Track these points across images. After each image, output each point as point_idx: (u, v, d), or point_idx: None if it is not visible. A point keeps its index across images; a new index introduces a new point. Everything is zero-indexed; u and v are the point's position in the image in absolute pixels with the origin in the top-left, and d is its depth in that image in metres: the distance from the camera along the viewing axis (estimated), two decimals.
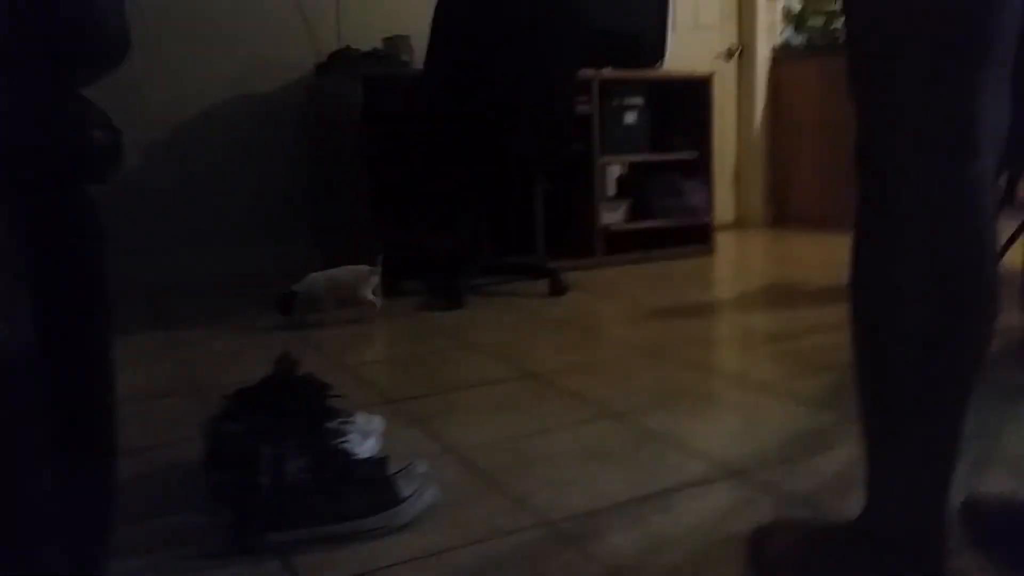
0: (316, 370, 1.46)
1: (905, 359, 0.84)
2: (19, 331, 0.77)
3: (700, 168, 3.62)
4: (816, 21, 4.47)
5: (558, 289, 2.86)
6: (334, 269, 2.52)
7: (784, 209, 4.57)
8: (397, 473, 1.24)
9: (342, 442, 1.35)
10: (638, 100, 3.49)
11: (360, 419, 1.47)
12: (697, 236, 3.65)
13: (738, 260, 3.56)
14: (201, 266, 3.25)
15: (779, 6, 4.50)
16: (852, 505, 0.96)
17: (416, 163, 3.12)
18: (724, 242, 3.98)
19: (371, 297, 2.49)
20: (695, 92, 3.59)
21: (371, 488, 1.17)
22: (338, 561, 1.09)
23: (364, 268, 2.50)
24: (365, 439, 1.42)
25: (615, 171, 3.85)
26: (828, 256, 3.46)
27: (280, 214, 3.39)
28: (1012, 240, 2.46)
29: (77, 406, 0.95)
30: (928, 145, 0.81)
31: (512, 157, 2.91)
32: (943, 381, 0.84)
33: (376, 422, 1.50)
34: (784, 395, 1.69)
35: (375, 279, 2.50)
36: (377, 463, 1.26)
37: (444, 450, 1.45)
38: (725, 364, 1.98)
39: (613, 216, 3.51)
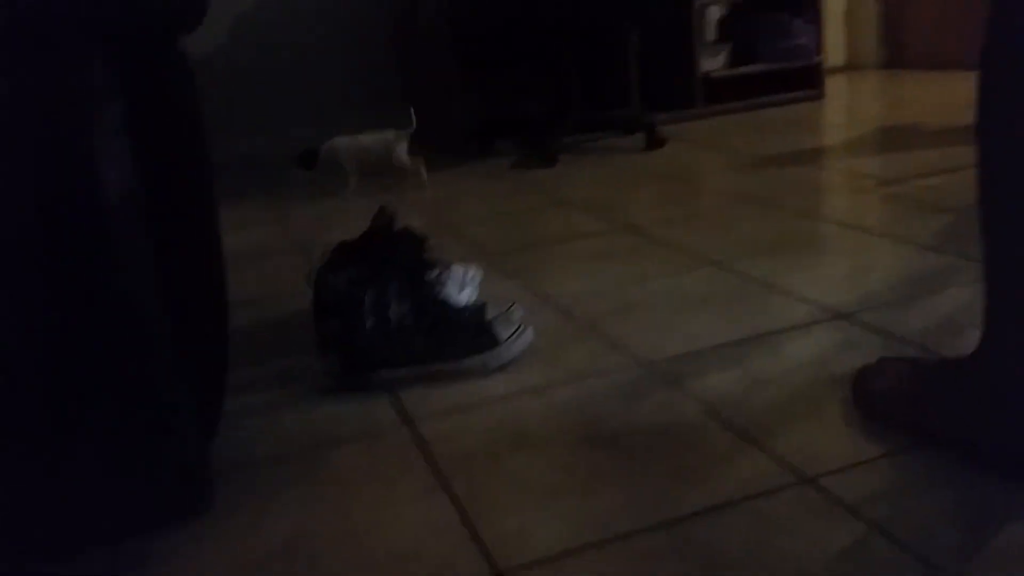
0: (414, 226, 1.48)
1: None
2: (124, 176, 0.79)
3: (808, 5, 3.36)
4: None
5: (655, 142, 2.77)
6: (361, 134, 2.45)
7: (900, 49, 4.22)
8: (495, 318, 1.26)
9: (440, 290, 1.38)
10: None
11: (458, 269, 1.49)
12: (805, 80, 3.43)
13: (850, 104, 3.34)
14: (298, 137, 3.29)
15: None
16: (966, 344, 0.92)
17: (502, 18, 3.01)
18: (834, 86, 3.73)
19: (404, 160, 2.41)
20: None
21: (470, 331, 1.20)
22: (441, 396, 1.13)
23: (391, 133, 2.43)
24: (463, 288, 1.44)
25: (715, 12, 3.62)
26: (948, 97, 3.20)
27: (373, 83, 3.37)
28: None
29: (187, 253, 0.99)
30: None
31: (599, 2, 2.77)
32: None
33: (473, 272, 1.52)
34: (896, 238, 1.61)
35: (404, 144, 2.42)
36: (476, 309, 1.28)
37: (541, 299, 1.46)
38: (834, 210, 1.90)
39: (714, 62, 3.32)
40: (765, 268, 1.51)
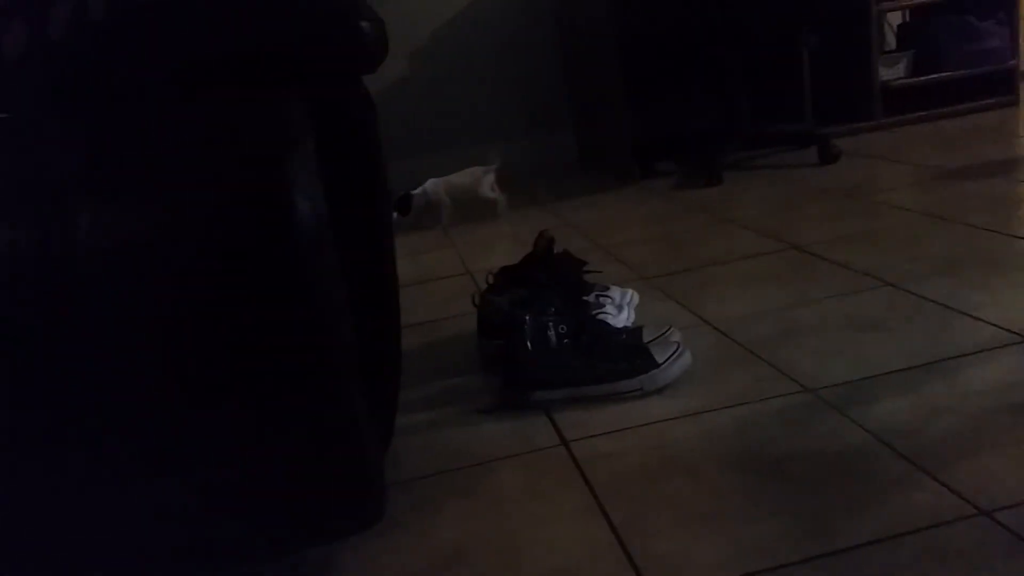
0: (574, 248, 1.52)
1: None
2: (316, 207, 0.87)
3: (1000, 4, 3.11)
4: None
5: (829, 156, 2.66)
6: (452, 174, 2.59)
7: None
8: (653, 340, 1.26)
9: (598, 312, 1.40)
10: None
11: (616, 292, 1.51)
12: (997, 86, 3.18)
13: None
14: (464, 162, 3.43)
15: None
16: None
17: (669, 29, 3.01)
18: None
19: (490, 195, 2.53)
20: None
21: (627, 353, 1.21)
22: (598, 418, 1.15)
23: (480, 168, 2.56)
24: (620, 311, 1.46)
25: (895, 18, 3.44)
26: None
27: (538, 106, 3.46)
28: None
29: (367, 279, 1.07)
30: None
31: (772, 12, 2.70)
32: None
33: (631, 295, 1.53)
34: None
35: (491, 177, 2.54)
36: (632, 331, 1.29)
37: (701, 322, 1.45)
38: None
39: (894, 71, 3.15)
40: (946, 288, 1.42)
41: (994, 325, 1.24)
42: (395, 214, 2.60)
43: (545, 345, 1.23)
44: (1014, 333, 1.20)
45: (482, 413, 1.22)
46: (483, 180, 2.57)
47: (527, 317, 1.25)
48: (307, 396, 0.79)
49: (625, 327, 1.37)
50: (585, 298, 1.42)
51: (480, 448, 1.12)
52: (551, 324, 1.26)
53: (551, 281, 1.39)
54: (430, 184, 2.61)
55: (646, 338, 1.28)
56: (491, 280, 1.52)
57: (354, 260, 0.97)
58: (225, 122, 0.81)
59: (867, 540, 0.81)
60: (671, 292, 1.63)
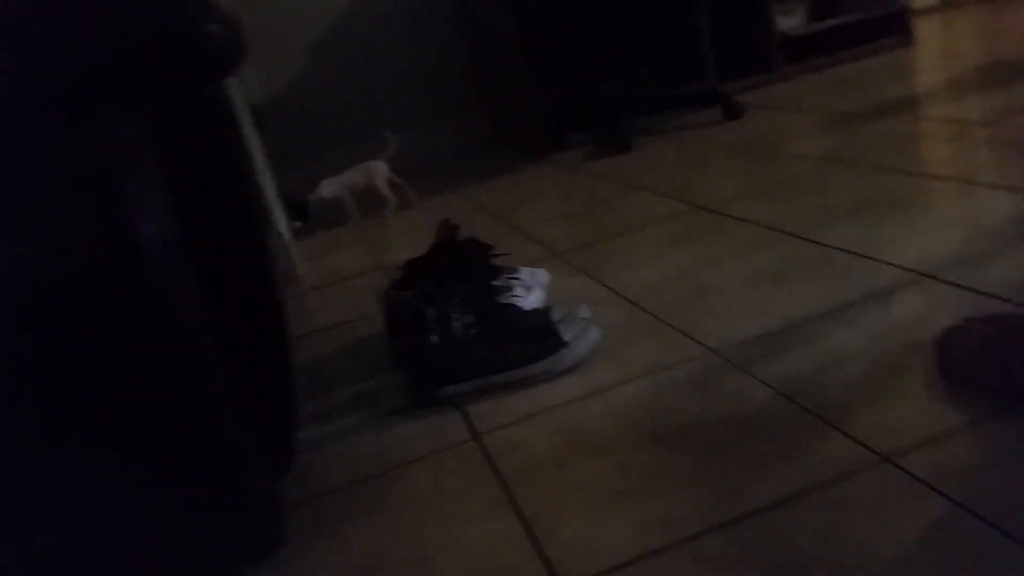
0: (485, 231, 1.48)
1: None
2: (162, 228, 0.82)
3: None
4: None
5: (733, 113, 2.68)
6: (345, 172, 2.54)
7: None
8: (561, 320, 1.24)
9: (507, 297, 1.38)
10: None
11: (525, 274, 1.48)
12: (892, 26, 3.23)
13: (945, 46, 3.12)
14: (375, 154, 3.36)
15: None
16: None
17: (565, 4, 2.98)
18: (927, 29, 3.50)
19: (385, 191, 2.49)
20: None
21: (534, 336, 1.19)
22: (509, 406, 1.12)
23: (371, 162, 2.52)
24: (530, 292, 1.43)
25: None
26: None
27: (446, 90, 3.41)
28: None
29: (242, 293, 1.02)
30: None
31: None
32: None
33: (541, 275, 1.51)
34: (996, 186, 1.49)
35: (383, 168, 2.50)
36: (539, 313, 1.27)
37: (611, 293, 1.44)
38: (927, 162, 1.77)
39: (791, 20, 3.18)
40: (848, 234, 1.43)
41: (895, 265, 1.25)
42: (295, 222, 2.53)
43: (451, 337, 1.20)
44: (913, 271, 1.21)
45: (393, 415, 1.18)
46: (376, 173, 2.51)
47: (429, 311, 1.22)
48: (171, 428, 0.75)
49: (534, 308, 1.34)
50: (494, 283, 1.39)
51: (391, 452, 1.08)
52: (455, 315, 1.23)
53: (457, 270, 1.36)
54: (325, 186, 2.54)
55: (555, 317, 1.26)
56: (397, 274, 1.48)
57: (224, 275, 0.92)
58: (53, 145, 0.75)
59: (774, 501, 0.80)
60: (582, 266, 1.61)
